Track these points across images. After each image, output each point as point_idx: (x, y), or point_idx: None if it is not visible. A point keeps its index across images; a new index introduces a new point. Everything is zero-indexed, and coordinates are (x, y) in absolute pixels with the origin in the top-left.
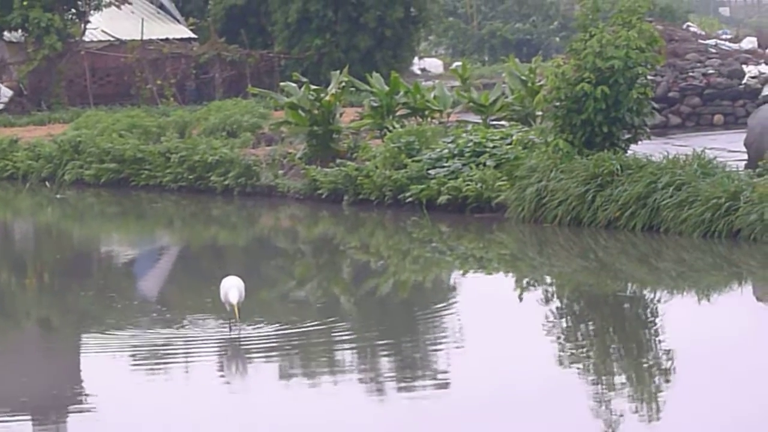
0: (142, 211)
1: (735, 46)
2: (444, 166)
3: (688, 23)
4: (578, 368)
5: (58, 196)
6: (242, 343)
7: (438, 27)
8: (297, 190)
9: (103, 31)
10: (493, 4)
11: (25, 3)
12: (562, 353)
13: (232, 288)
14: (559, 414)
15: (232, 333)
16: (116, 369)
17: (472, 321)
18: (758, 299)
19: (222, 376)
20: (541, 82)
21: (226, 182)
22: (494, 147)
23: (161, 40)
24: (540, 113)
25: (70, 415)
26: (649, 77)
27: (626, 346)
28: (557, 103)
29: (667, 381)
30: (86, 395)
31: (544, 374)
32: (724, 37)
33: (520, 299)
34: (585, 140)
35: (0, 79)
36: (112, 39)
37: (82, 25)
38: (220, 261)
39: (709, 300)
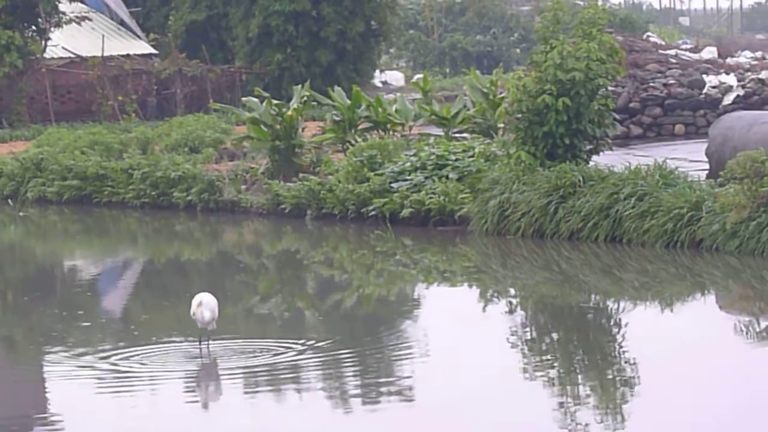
0: (105, 228)
1: (695, 56)
2: (407, 180)
3: (649, 33)
4: (543, 379)
5: (20, 213)
6: (208, 359)
7: (399, 40)
8: (260, 205)
9: (63, 48)
10: (454, 16)
11: None
12: (526, 364)
13: (204, 306)
14: (524, 425)
15: (201, 347)
16: (81, 388)
17: (437, 333)
18: (721, 308)
19: (189, 392)
20: (503, 95)
21: (189, 198)
22: (457, 160)
23: (122, 56)
24: (502, 125)
25: None
26: (610, 88)
27: (590, 356)
28: (519, 116)
29: (631, 391)
30: (51, 416)
31: (508, 386)
32: (684, 47)
33: (484, 311)
34: (547, 152)
35: None
36: (72, 56)
37: (43, 43)
38: (184, 277)
39: (672, 310)
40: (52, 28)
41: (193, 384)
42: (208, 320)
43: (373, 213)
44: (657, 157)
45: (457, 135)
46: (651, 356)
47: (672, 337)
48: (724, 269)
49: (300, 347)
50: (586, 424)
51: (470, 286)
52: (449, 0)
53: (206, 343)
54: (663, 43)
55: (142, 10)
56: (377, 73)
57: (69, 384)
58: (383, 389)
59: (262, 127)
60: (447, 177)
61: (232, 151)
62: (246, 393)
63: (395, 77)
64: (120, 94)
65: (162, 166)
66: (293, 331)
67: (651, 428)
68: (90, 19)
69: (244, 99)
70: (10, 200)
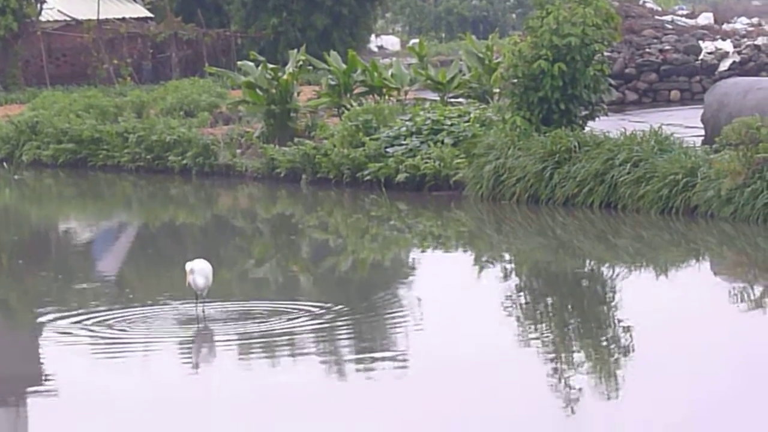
0: (100, 192)
1: (691, 21)
2: (402, 144)
3: None
4: (537, 345)
5: (15, 177)
6: (204, 323)
7: (395, 5)
8: (255, 170)
9: (59, 11)
10: None
11: None
12: (520, 330)
13: (198, 273)
14: (518, 391)
15: (198, 308)
16: (76, 351)
17: (430, 299)
18: (715, 274)
19: (184, 355)
20: (498, 60)
21: (184, 162)
22: (452, 125)
23: (118, 19)
24: (497, 91)
25: (30, 397)
26: (605, 54)
27: (584, 322)
28: (514, 81)
29: (626, 357)
30: (46, 378)
31: (502, 351)
32: (680, 12)
33: (479, 277)
34: (542, 117)
35: None
36: (68, 19)
37: (38, 6)
38: (179, 241)
39: (666, 276)
40: None
41: (188, 347)
42: (202, 286)
43: (368, 178)
44: (652, 123)
45: (452, 100)
46: (645, 322)
47: (666, 304)
48: (718, 235)
49: (293, 312)
50: (580, 390)
51: (465, 251)
52: None
53: (202, 307)
54: (659, 8)
55: None
56: (373, 37)
57: (63, 347)
58: (377, 354)
59: (258, 91)
60: (442, 142)
61: (228, 115)
62: (239, 357)
63: (391, 42)
64: (115, 58)
65: (157, 130)
66: (286, 296)
67: (645, 394)
68: None
69: (239, 63)
70: (5, 163)
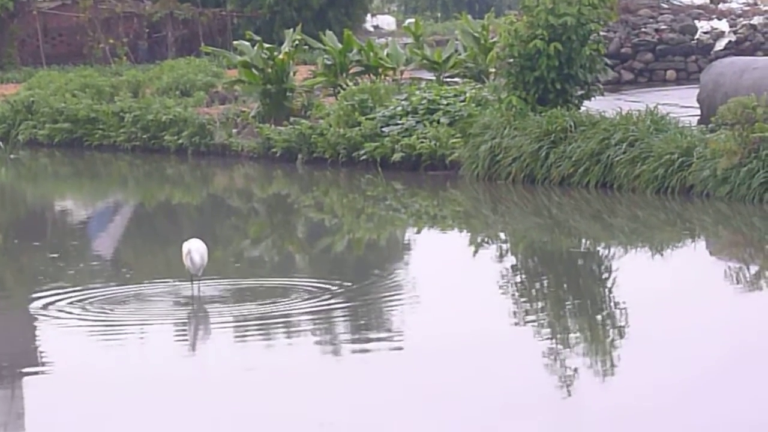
0: (96, 171)
1: (687, 1)
2: (398, 124)
3: None
4: (532, 324)
5: (11, 156)
6: (198, 303)
7: None
8: (251, 149)
9: None
10: None
11: None
12: (516, 309)
13: (194, 252)
14: (513, 370)
15: (192, 287)
16: (72, 330)
17: (426, 278)
18: (711, 254)
19: (180, 335)
20: (494, 39)
21: (180, 141)
22: (448, 104)
23: None
24: (493, 70)
25: (26, 378)
26: (601, 33)
27: (580, 302)
28: (510, 60)
29: (621, 336)
30: (42, 357)
31: (497, 331)
32: None
33: (474, 256)
34: (538, 97)
35: None
36: None
37: None
38: (175, 220)
39: (662, 255)
40: None
41: (184, 327)
42: (198, 266)
43: (364, 157)
44: (648, 102)
45: (448, 79)
46: (641, 302)
47: (662, 283)
48: (714, 215)
49: (288, 291)
50: (575, 369)
51: (460, 230)
52: None
53: (197, 286)
54: None
55: None
56: (369, 17)
57: (59, 326)
58: (372, 334)
59: (254, 70)
60: (438, 121)
61: (223, 95)
62: (234, 336)
63: (387, 21)
64: (111, 37)
65: (153, 110)
66: (283, 274)
67: (641, 373)
68: None
69: (235, 42)
70: (0, 143)
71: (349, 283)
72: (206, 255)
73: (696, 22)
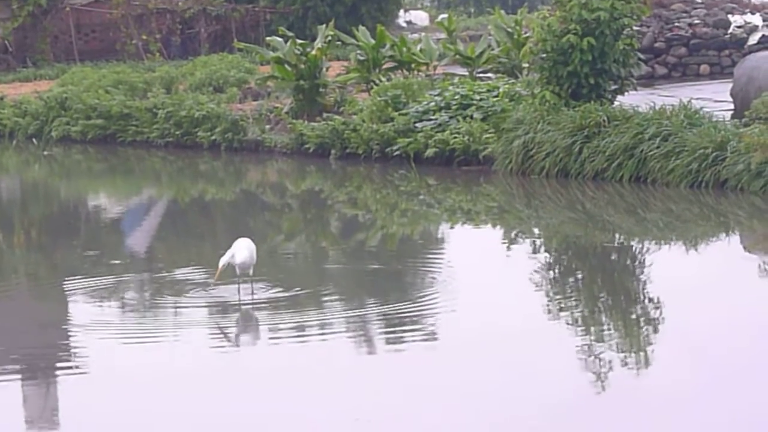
0: (129, 167)
1: None
2: (431, 119)
3: None
4: (567, 319)
5: (45, 152)
6: (242, 300)
7: None
8: (284, 145)
9: None
10: None
11: None
12: (550, 304)
13: (245, 249)
14: (549, 365)
15: (240, 287)
16: (106, 327)
17: (461, 273)
18: (745, 249)
19: (215, 333)
20: (527, 34)
21: (213, 137)
22: (481, 99)
23: None
24: (526, 65)
25: (60, 373)
26: (635, 28)
27: (614, 296)
28: (543, 55)
29: (656, 331)
30: (76, 354)
31: (532, 326)
32: None
33: (508, 251)
34: (571, 92)
35: None
36: None
37: None
38: (208, 216)
39: (696, 250)
40: None
41: (223, 325)
42: (248, 265)
43: (397, 153)
44: (682, 97)
45: (481, 75)
46: (675, 297)
47: (696, 278)
48: (748, 209)
49: (322, 286)
50: (610, 364)
51: (494, 225)
52: None
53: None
54: None
55: None
56: (401, 12)
57: (93, 322)
58: (407, 329)
59: (287, 66)
60: (471, 117)
61: (256, 91)
62: (267, 330)
63: (420, 17)
64: (144, 33)
65: (186, 106)
66: (317, 270)
67: (675, 369)
68: None
69: (268, 38)
70: (34, 139)
71: (384, 279)
72: (255, 253)
73: (729, 16)
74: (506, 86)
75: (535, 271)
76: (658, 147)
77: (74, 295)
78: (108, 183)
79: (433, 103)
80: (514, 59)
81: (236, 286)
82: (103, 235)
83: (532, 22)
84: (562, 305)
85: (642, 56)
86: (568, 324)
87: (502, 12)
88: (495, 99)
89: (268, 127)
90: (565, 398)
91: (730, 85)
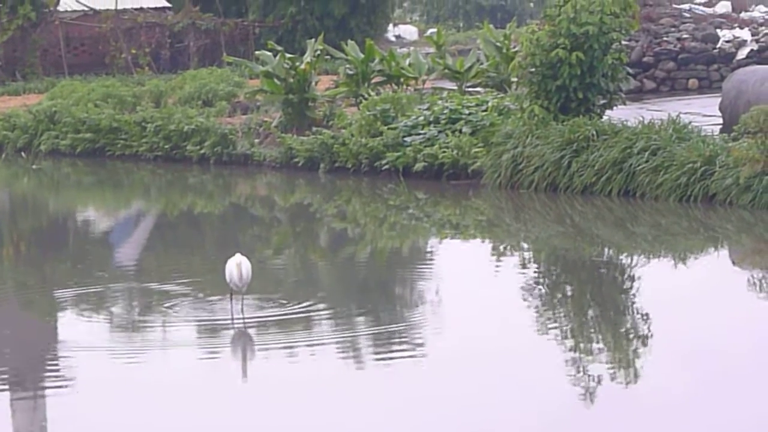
0: (118, 181)
1: (709, 10)
2: (420, 134)
3: None
4: (555, 333)
5: (34, 166)
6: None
7: None
8: (273, 159)
9: (77, 0)
10: None
11: None
12: (538, 318)
13: (241, 266)
14: (537, 379)
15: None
16: (95, 341)
17: (449, 287)
18: (734, 263)
19: (205, 348)
20: (516, 49)
21: (202, 151)
22: (470, 114)
23: (135, 9)
24: (515, 79)
25: (48, 388)
26: (623, 42)
27: (603, 310)
28: (532, 69)
29: (644, 345)
30: (64, 367)
31: (521, 339)
32: (698, 1)
33: (497, 265)
34: (560, 106)
35: None
36: (86, 8)
37: None
38: (197, 230)
39: (685, 264)
40: None
41: (210, 339)
42: (244, 281)
43: (386, 167)
44: (670, 111)
45: (470, 89)
46: (664, 310)
47: (685, 291)
48: (737, 223)
49: (311, 300)
50: (599, 376)
51: (483, 239)
52: None
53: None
54: None
55: None
56: (391, 26)
57: (82, 336)
58: (395, 343)
59: (276, 80)
60: (460, 131)
61: (245, 105)
62: (258, 344)
63: (409, 31)
64: (133, 47)
65: (175, 119)
66: (306, 284)
67: (664, 382)
68: None
69: (257, 52)
70: (23, 153)
71: (372, 292)
72: (250, 271)
73: (718, 30)
74: (495, 100)
75: (524, 284)
76: (646, 161)
77: (63, 308)
78: (97, 196)
79: (422, 117)
80: (503, 73)
81: (230, 301)
82: (91, 248)
83: (520, 36)
84: (551, 319)
85: (631, 70)
86: (556, 337)
87: (491, 26)
88: (484, 113)
89: (257, 140)
90: (554, 411)
91: (719, 100)
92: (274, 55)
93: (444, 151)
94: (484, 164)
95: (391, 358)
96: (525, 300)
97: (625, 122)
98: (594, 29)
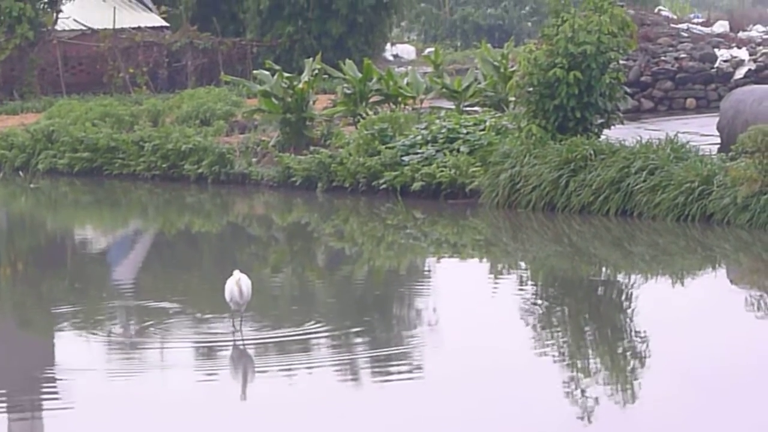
0: (116, 200)
1: (707, 29)
2: (418, 153)
3: (660, 7)
4: (553, 353)
5: (31, 185)
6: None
7: (410, 13)
8: (271, 178)
9: (75, 20)
10: None
11: None
12: (537, 338)
13: (242, 284)
14: (534, 399)
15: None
16: (92, 361)
17: (447, 306)
18: (732, 282)
19: (202, 364)
20: (514, 68)
21: (200, 170)
22: (468, 133)
23: (133, 28)
24: (513, 99)
25: (46, 406)
26: (621, 62)
27: (601, 330)
28: (530, 89)
29: (642, 365)
30: (62, 387)
31: (518, 359)
32: (695, 20)
33: (495, 284)
34: (558, 125)
35: None
36: (84, 28)
37: (54, 14)
38: (195, 249)
39: (683, 283)
40: (64, 0)
41: (208, 357)
42: (244, 299)
43: (383, 186)
44: (668, 130)
45: (468, 108)
46: (662, 330)
47: (683, 311)
48: (734, 243)
49: (308, 319)
50: (596, 398)
51: (481, 259)
52: None
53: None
54: (674, 16)
55: None
56: (388, 46)
57: (80, 354)
58: (392, 363)
59: (273, 99)
60: (458, 150)
61: (243, 124)
62: (254, 364)
63: (406, 50)
64: (131, 66)
65: (173, 139)
66: (303, 303)
67: (662, 402)
68: None
69: (255, 72)
70: (21, 172)
71: (370, 312)
72: (250, 289)
73: (716, 50)
74: (493, 120)
75: (522, 304)
76: (644, 180)
77: (61, 327)
78: (95, 215)
79: (419, 137)
80: (501, 93)
81: (230, 321)
82: (89, 267)
83: (518, 55)
84: (549, 339)
85: (628, 90)
86: (555, 357)
87: (489, 45)
88: (482, 132)
89: (254, 159)
90: (551, 431)
91: (717, 119)
92: (272, 75)
93: (442, 171)
94: (481, 183)
95: (389, 379)
96: (523, 320)
97: (622, 142)
98: (592, 49)
